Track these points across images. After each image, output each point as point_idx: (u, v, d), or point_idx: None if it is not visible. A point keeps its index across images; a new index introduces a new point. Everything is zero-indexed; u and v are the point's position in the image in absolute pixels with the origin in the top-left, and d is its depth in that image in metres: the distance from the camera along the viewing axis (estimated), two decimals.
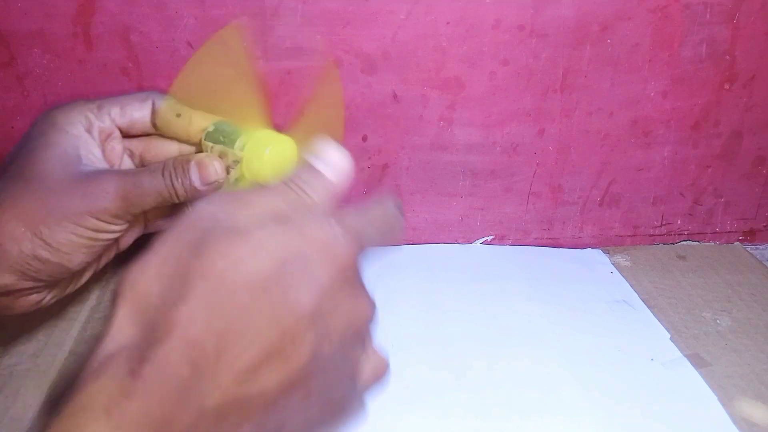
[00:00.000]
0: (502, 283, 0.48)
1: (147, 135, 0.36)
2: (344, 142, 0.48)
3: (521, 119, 0.48)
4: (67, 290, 0.33)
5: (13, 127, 0.45)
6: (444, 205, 0.51)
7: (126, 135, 0.35)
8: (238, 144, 0.33)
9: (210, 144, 0.33)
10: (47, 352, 0.39)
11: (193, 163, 0.32)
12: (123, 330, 0.21)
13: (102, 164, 0.32)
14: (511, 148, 0.49)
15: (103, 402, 0.20)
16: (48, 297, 0.32)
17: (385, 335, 0.42)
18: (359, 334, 0.24)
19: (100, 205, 0.29)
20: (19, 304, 0.31)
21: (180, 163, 0.32)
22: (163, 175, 0.31)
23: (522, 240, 0.53)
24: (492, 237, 0.53)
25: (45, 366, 0.38)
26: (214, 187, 0.32)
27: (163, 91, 0.35)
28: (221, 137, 0.33)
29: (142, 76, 0.44)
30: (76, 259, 0.30)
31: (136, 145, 0.35)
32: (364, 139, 0.48)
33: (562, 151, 0.50)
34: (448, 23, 0.44)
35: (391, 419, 0.35)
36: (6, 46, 0.42)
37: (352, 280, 0.24)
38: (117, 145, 0.34)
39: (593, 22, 0.45)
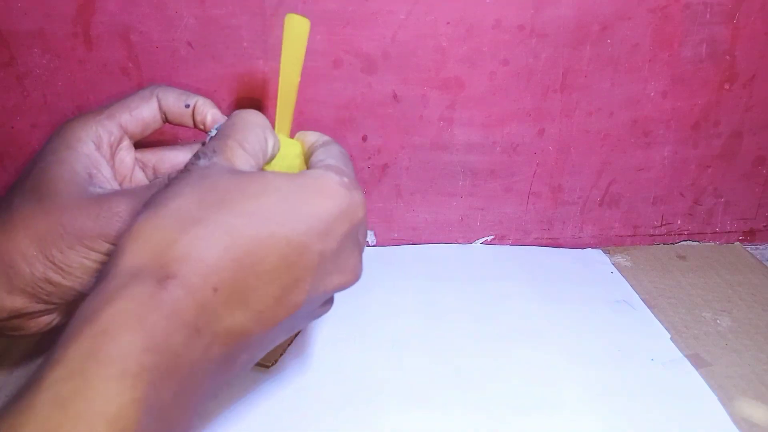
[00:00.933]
0: (502, 283, 0.48)
1: (162, 145, 0.35)
2: (344, 141, 0.48)
3: (521, 119, 0.48)
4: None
5: (13, 127, 0.45)
6: (444, 205, 0.51)
7: (140, 140, 0.34)
8: None
9: None
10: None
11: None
12: (145, 244, 0.22)
13: (112, 183, 0.31)
14: (511, 148, 0.49)
15: (135, 311, 0.20)
16: (58, 318, 0.31)
17: (385, 334, 0.42)
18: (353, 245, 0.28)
19: (113, 228, 0.28)
20: (29, 326, 0.30)
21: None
22: None
23: (522, 240, 0.53)
24: (492, 237, 0.53)
25: None
26: None
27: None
28: None
29: (142, 76, 0.44)
30: (89, 282, 0.29)
31: (149, 157, 0.35)
32: (364, 139, 0.48)
33: (562, 151, 0.50)
34: (448, 23, 0.44)
35: (392, 417, 0.35)
36: (6, 46, 0.42)
37: (351, 225, 0.26)
38: (127, 155, 0.34)
39: (593, 22, 0.45)
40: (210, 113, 0.34)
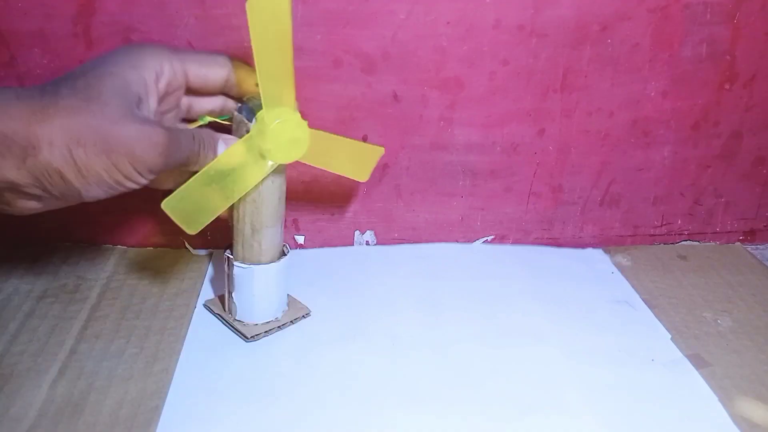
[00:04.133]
0: (502, 283, 0.48)
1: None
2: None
3: (521, 119, 0.48)
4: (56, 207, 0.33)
5: None
6: (444, 205, 0.51)
7: (194, 91, 0.37)
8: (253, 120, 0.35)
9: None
10: (48, 351, 0.39)
11: (221, 141, 0.35)
12: None
13: (152, 114, 0.33)
14: (511, 148, 0.49)
15: None
16: (40, 206, 0.32)
17: (385, 333, 0.42)
18: None
19: (142, 155, 0.30)
20: (17, 204, 0.31)
21: (211, 137, 0.35)
22: (194, 140, 0.34)
23: (522, 240, 0.53)
24: (492, 237, 0.53)
25: (46, 365, 0.38)
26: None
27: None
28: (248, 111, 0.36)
29: None
30: (93, 192, 0.31)
31: (184, 100, 0.37)
32: (364, 139, 0.48)
33: (562, 151, 0.50)
34: (448, 23, 0.44)
35: (392, 417, 0.35)
36: (6, 46, 0.42)
37: None
38: (174, 99, 0.36)
39: (593, 22, 0.45)
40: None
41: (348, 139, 0.37)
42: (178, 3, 0.41)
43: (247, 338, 0.41)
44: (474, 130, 0.48)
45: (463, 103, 0.47)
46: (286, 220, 0.51)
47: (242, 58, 0.37)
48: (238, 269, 0.40)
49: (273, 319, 0.42)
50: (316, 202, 0.50)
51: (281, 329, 0.42)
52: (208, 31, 0.42)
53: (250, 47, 0.44)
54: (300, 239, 0.52)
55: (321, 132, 0.37)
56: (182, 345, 0.40)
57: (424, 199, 0.51)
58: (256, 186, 0.36)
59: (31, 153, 0.29)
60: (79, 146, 0.29)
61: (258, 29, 0.32)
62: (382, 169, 0.49)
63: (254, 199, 0.37)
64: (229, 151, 0.35)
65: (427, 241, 0.53)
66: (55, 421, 0.34)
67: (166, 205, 0.34)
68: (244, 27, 0.43)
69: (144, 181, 0.32)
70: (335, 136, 0.37)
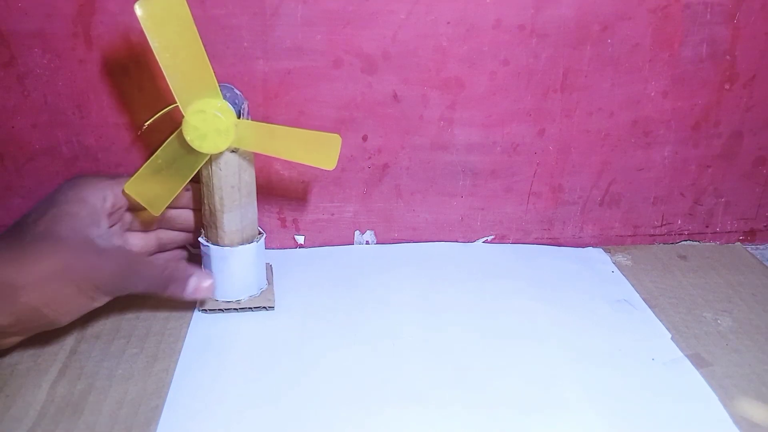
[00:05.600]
0: (502, 282, 0.48)
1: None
2: (344, 141, 0.48)
3: (521, 119, 0.48)
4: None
5: (13, 127, 0.45)
6: (444, 205, 0.51)
7: (133, 208, 0.41)
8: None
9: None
10: (48, 351, 0.39)
11: (193, 279, 0.38)
12: None
13: (105, 234, 0.38)
14: (511, 148, 0.49)
15: None
16: (21, 339, 0.36)
17: (385, 333, 0.42)
18: None
19: (103, 279, 0.35)
20: (3, 343, 0.35)
21: (182, 273, 0.38)
22: (162, 275, 0.37)
23: (522, 240, 0.53)
24: (492, 237, 0.53)
25: (46, 365, 0.38)
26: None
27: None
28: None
29: (142, 76, 0.44)
30: (65, 319, 0.35)
31: (127, 217, 0.42)
32: (364, 139, 0.48)
33: (563, 151, 0.50)
34: (448, 23, 0.44)
35: (392, 417, 0.35)
36: (6, 46, 0.42)
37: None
38: (117, 216, 0.40)
39: (593, 22, 0.45)
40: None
41: (300, 130, 0.38)
42: None
43: (199, 307, 0.43)
44: (474, 130, 0.48)
45: (463, 103, 0.47)
46: (285, 220, 0.51)
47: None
48: (202, 244, 0.42)
49: (234, 300, 0.43)
50: (316, 201, 0.50)
51: (238, 312, 0.43)
52: (208, 31, 0.42)
53: (248, 48, 0.44)
54: (300, 239, 0.52)
55: (269, 125, 0.38)
56: (182, 345, 0.40)
57: (424, 199, 0.51)
58: (207, 172, 0.39)
59: (13, 298, 0.33)
60: (51, 282, 0.33)
61: (155, 30, 0.33)
62: (382, 169, 0.49)
63: (206, 183, 0.40)
64: (167, 143, 0.37)
65: (427, 241, 0.53)
66: (55, 421, 0.34)
67: (129, 188, 0.38)
68: (243, 27, 0.43)
69: (107, 299, 0.36)
70: (286, 127, 0.38)
